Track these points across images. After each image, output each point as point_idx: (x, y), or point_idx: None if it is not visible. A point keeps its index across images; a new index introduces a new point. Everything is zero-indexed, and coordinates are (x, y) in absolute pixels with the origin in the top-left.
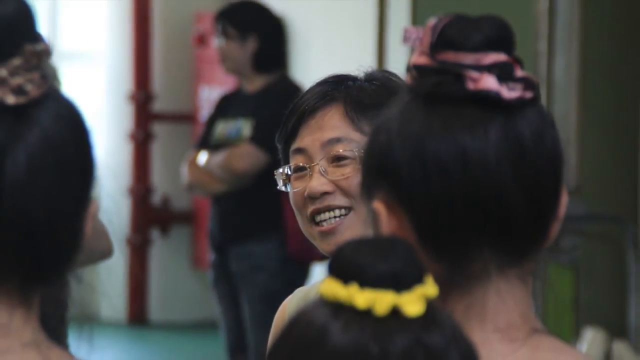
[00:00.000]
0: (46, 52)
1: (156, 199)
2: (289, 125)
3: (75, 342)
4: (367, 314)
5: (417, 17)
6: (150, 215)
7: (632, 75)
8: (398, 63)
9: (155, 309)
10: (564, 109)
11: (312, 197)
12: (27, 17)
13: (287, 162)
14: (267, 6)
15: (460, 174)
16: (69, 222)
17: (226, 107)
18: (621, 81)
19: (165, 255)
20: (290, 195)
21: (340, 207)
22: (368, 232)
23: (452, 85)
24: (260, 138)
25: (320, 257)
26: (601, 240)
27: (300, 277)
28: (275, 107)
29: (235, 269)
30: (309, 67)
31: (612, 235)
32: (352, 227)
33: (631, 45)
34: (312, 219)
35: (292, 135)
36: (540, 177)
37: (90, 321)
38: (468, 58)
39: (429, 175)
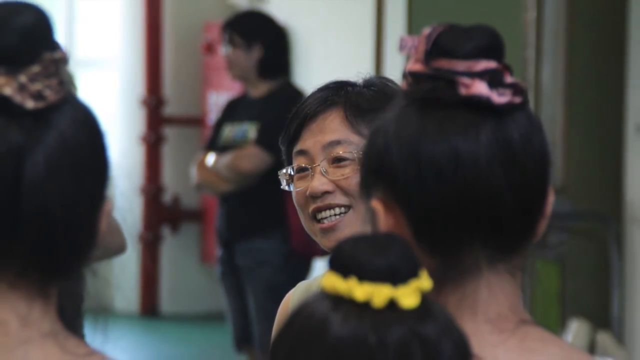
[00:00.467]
0: (63, 60)
1: (167, 198)
2: (292, 129)
3: (91, 333)
4: (365, 306)
5: (412, 27)
6: (161, 213)
7: (614, 81)
8: (394, 70)
9: (166, 302)
10: (551, 112)
11: (314, 196)
12: (45, 27)
13: (290, 163)
14: (271, 16)
15: (453, 174)
16: (85, 220)
17: (233, 111)
18: (604, 87)
19: (176, 251)
20: (293, 195)
21: (340, 206)
22: (366, 229)
23: (445, 90)
24: (264, 140)
25: (322, 253)
26: (586, 236)
27: (302, 272)
28: (279, 111)
29: (241, 263)
30: (310, 74)
31: (596, 232)
32: (351, 225)
33: (614, 53)
34: (314, 217)
35: (295, 137)
36: (529, 177)
37: (105, 313)
38: (460, 65)
39: (423, 175)
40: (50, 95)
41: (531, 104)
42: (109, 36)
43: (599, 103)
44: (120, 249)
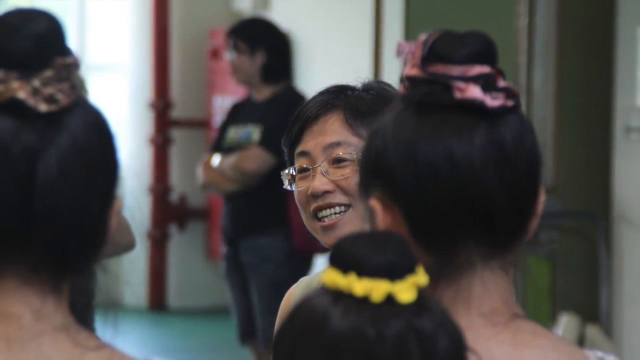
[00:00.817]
0: (75, 65)
1: (174, 197)
2: (293, 131)
3: (101, 327)
4: (364, 300)
5: (409, 33)
6: (168, 211)
7: (603, 85)
8: (392, 74)
9: (173, 297)
10: (542, 115)
11: (315, 196)
12: (57, 33)
13: (292, 163)
14: (273, 23)
15: (448, 175)
16: (96, 218)
17: (237, 114)
18: (593, 90)
19: (182, 248)
20: (295, 194)
21: (340, 205)
22: (365, 227)
23: (441, 94)
24: (268, 142)
25: (322, 250)
26: (575, 234)
27: (304, 268)
28: (282, 114)
29: (245, 260)
30: (311, 78)
31: (585, 230)
32: (351, 223)
33: (602, 58)
34: (315, 215)
35: (297, 139)
36: (521, 177)
37: (115, 307)
38: (455, 70)
39: (420, 175)
40: (62, 98)
41: (523, 107)
42: (119, 42)
43: (588, 106)
44: (129, 246)
